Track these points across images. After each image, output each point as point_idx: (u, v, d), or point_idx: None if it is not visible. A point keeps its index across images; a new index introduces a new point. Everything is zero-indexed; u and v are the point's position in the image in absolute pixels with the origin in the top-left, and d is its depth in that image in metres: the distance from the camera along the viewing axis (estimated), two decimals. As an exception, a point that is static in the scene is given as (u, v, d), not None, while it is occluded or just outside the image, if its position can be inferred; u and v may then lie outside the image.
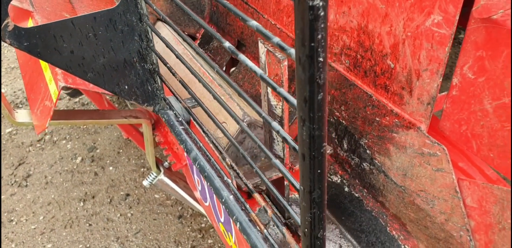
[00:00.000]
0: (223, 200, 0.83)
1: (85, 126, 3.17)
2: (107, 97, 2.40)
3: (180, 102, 1.03)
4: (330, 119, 1.50)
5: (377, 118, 1.34)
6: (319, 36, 0.40)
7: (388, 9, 1.23)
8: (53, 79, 1.18)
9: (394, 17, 1.22)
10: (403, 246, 1.31)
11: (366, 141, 1.40)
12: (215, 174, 0.89)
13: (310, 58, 0.41)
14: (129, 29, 1.05)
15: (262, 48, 1.30)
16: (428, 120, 1.20)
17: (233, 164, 0.86)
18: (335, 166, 1.55)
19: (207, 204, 1.27)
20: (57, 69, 1.21)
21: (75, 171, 2.86)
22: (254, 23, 0.58)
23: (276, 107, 1.31)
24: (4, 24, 0.89)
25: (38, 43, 0.93)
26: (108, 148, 3.04)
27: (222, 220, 1.16)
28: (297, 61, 0.42)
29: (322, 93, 0.42)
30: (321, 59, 0.41)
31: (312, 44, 0.40)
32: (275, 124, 0.60)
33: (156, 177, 1.51)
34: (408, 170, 1.26)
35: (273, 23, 1.77)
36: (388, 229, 1.36)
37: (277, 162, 0.59)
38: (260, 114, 0.72)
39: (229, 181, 0.86)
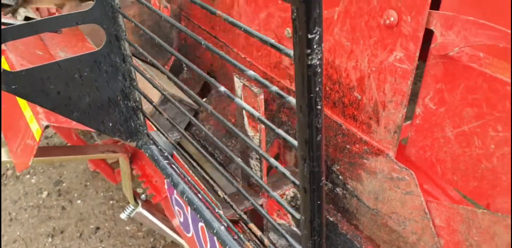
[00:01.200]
0: (215, 231, 0.88)
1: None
2: (77, 131, 2.39)
3: (166, 137, 1.08)
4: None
5: (348, 146, 1.43)
6: (317, 89, 0.47)
7: (353, 46, 1.33)
8: (34, 118, 1.19)
9: (359, 53, 1.32)
10: (376, 266, 1.39)
11: (338, 167, 1.48)
12: (204, 206, 0.94)
13: (309, 107, 0.47)
14: (113, 69, 1.09)
15: (237, 83, 1.37)
16: (395, 147, 1.29)
17: (226, 197, 0.91)
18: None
19: (190, 234, 1.30)
20: (38, 108, 1.22)
21: (41, 205, 2.80)
22: (251, 73, 0.64)
23: (253, 137, 1.37)
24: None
25: (26, 85, 0.95)
26: (75, 181, 2.99)
27: None
28: (298, 109, 0.48)
29: (320, 136, 0.49)
30: (318, 107, 0.48)
31: (311, 95, 0.47)
32: (274, 161, 0.66)
33: (133, 209, 1.53)
34: (379, 193, 1.35)
35: (243, 56, 1.85)
36: (362, 250, 1.43)
37: (277, 197, 0.65)
38: (250, 146, 0.77)
39: (221, 212, 0.91)
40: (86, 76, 1.05)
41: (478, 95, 1.06)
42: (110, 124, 1.13)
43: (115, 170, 2.38)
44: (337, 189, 1.51)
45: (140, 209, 1.54)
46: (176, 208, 1.30)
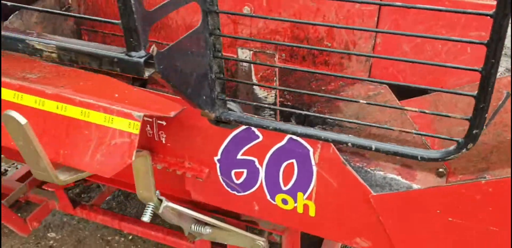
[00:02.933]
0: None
1: None
2: None
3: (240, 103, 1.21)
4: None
5: (323, 88, 1.78)
6: None
7: (319, 4, 1.68)
8: (113, 117, 1.08)
9: (326, 9, 1.68)
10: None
11: (316, 109, 1.81)
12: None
13: None
14: (206, 44, 1.16)
15: (245, 52, 1.57)
16: (368, 72, 1.72)
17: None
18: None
19: (250, 191, 1.40)
20: (113, 106, 1.10)
21: None
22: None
23: (266, 97, 1.59)
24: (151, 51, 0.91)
25: (167, 65, 0.97)
26: None
27: (285, 188, 1.35)
28: None
29: None
30: None
31: None
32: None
33: (158, 206, 1.47)
34: (359, 113, 1.74)
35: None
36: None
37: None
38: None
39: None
40: (194, 53, 1.08)
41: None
42: (204, 97, 1.19)
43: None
44: (317, 128, 1.84)
45: (167, 203, 1.51)
46: (234, 171, 1.38)
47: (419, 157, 1.07)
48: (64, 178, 1.13)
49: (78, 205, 2.19)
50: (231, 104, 1.26)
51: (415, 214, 1.22)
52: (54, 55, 0.93)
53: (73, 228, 2.37)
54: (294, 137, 1.25)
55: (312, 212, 1.37)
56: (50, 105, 1.15)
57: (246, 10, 1.79)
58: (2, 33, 0.94)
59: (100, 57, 0.89)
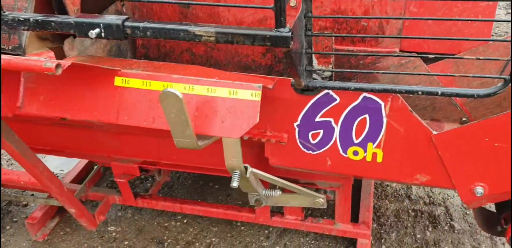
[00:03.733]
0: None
1: None
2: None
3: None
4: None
5: (361, 62, 2.09)
6: None
7: (356, -9, 1.99)
8: (237, 90, 1.33)
9: (362, -6, 1.99)
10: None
11: (356, 81, 2.11)
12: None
13: None
14: (302, 23, 1.41)
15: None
16: (399, 44, 2.04)
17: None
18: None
19: (325, 148, 1.67)
20: (236, 82, 1.35)
21: None
22: None
23: (323, 72, 1.88)
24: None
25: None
26: None
27: (357, 141, 1.63)
28: None
29: None
30: None
31: None
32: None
33: (245, 171, 1.72)
34: (394, 79, 2.06)
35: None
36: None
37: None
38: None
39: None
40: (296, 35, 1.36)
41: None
42: (300, 69, 1.47)
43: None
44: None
45: (252, 169, 1.76)
46: (312, 133, 1.66)
47: (476, 95, 1.39)
48: (201, 143, 1.38)
49: (138, 196, 2.41)
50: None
51: (468, 145, 1.55)
52: (212, 38, 1.19)
53: (129, 220, 2.57)
54: (368, 95, 1.55)
55: (379, 159, 1.67)
56: (178, 88, 1.39)
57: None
58: (167, 26, 1.19)
59: (253, 36, 1.16)
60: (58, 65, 1.23)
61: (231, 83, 1.39)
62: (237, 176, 1.77)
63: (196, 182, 2.87)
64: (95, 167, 2.56)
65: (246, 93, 1.37)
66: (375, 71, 1.94)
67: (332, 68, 1.87)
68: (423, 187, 2.79)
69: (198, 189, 2.81)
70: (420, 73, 1.95)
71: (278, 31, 1.14)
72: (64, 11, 1.72)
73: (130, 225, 2.53)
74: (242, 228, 2.50)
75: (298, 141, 1.72)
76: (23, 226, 2.54)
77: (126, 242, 2.43)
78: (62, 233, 2.50)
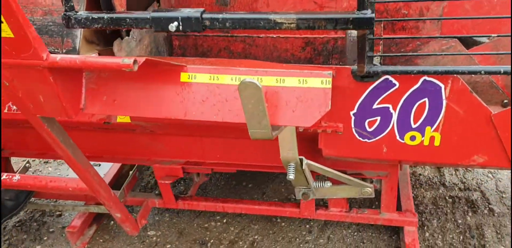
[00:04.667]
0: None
1: None
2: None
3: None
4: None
5: (402, 49, 2.10)
6: None
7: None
8: (307, 79, 1.33)
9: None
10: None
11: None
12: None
13: None
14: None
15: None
16: (440, 29, 2.06)
17: None
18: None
19: (381, 135, 1.68)
20: (305, 71, 1.35)
21: None
22: None
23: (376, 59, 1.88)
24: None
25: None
26: None
27: (414, 126, 1.64)
28: None
29: None
30: None
31: None
32: None
33: (300, 163, 1.72)
34: (434, 62, 2.08)
35: (274, 36, 2.23)
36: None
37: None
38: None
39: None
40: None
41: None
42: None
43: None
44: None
45: (307, 161, 1.77)
46: (368, 121, 1.66)
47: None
48: (274, 133, 1.38)
49: (179, 198, 2.40)
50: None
51: (528, 123, 1.56)
52: (293, 25, 1.19)
53: (168, 224, 2.56)
54: (428, 78, 1.56)
55: (437, 142, 1.68)
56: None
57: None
58: (246, 16, 1.20)
59: (336, 19, 1.16)
60: (135, 61, 1.23)
61: (300, 72, 1.39)
62: (293, 168, 1.78)
63: (229, 183, 2.86)
64: (131, 172, 2.54)
65: (316, 81, 1.38)
66: (433, 53, 1.95)
67: (381, 55, 1.89)
68: (456, 173, 2.81)
69: (232, 188, 2.81)
70: (457, 53, 1.95)
71: (362, 13, 1.15)
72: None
73: (170, 228, 2.52)
74: (283, 224, 2.50)
75: (353, 129, 1.73)
76: (61, 235, 2.52)
77: (168, 245, 2.41)
78: (101, 240, 2.48)
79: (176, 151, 2.20)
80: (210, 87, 1.44)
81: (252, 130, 1.35)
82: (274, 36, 2.23)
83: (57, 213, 2.67)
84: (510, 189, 2.65)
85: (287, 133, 1.69)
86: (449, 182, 2.74)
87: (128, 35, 1.89)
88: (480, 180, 2.74)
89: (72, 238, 2.39)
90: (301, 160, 1.78)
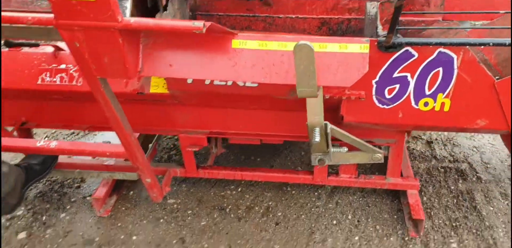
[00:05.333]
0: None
1: None
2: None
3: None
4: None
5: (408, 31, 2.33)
6: None
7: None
8: (347, 44, 1.53)
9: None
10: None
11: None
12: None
13: None
14: None
15: (373, 4, 2.08)
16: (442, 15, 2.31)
17: None
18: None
19: (399, 102, 1.90)
20: (344, 38, 1.55)
21: None
22: None
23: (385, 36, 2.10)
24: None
25: None
26: None
27: (428, 93, 1.87)
28: None
29: None
30: None
31: None
32: None
33: (325, 127, 1.91)
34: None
35: (293, 16, 2.42)
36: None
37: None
38: None
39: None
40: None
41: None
42: (393, 27, 1.69)
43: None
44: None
45: (331, 126, 1.97)
46: (388, 88, 1.88)
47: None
48: (318, 93, 1.58)
49: (199, 167, 2.57)
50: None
51: (525, 89, 1.83)
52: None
53: (186, 193, 2.72)
54: (443, 49, 1.80)
55: (446, 108, 1.93)
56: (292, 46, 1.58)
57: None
58: None
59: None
60: (204, 25, 1.40)
61: (340, 39, 1.59)
62: (318, 131, 1.98)
63: (238, 157, 3.04)
64: (150, 145, 2.68)
65: (355, 47, 1.58)
66: (449, 27, 2.19)
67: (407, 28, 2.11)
68: (444, 148, 3.10)
69: (241, 163, 2.99)
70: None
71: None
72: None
73: (188, 197, 2.68)
74: (293, 192, 2.71)
75: (374, 97, 1.95)
76: (83, 204, 2.63)
77: (189, 211, 2.57)
78: (123, 208, 2.61)
79: (201, 122, 2.36)
80: (259, 53, 1.62)
81: (301, 88, 1.54)
82: (293, 16, 2.42)
83: (76, 185, 2.78)
84: (493, 161, 2.96)
85: (314, 100, 1.89)
86: (439, 155, 3.02)
87: (165, 10, 2.04)
88: (466, 153, 3.03)
89: (97, 205, 2.51)
90: (325, 125, 1.98)
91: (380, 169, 2.72)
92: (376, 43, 1.77)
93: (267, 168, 2.92)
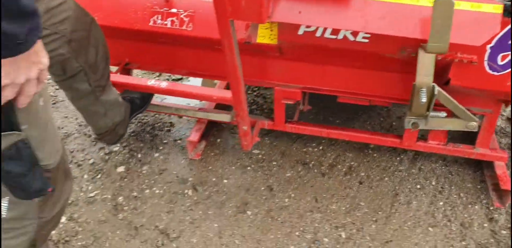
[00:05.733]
0: None
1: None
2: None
3: None
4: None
5: None
6: None
7: None
8: (481, 4, 1.56)
9: None
10: None
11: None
12: None
13: None
14: None
15: None
16: None
17: None
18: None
19: (509, 69, 1.92)
20: None
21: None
22: None
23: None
24: None
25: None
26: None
27: None
28: None
29: None
30: None
31: None
32: None
33: (432, 88, 1.96)
34: None
35: None
36: None
37: None
38: None
39: None
40: None
41: None
42: None
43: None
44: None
45: (438, 88, 2.01)
46: (501, 55, 1.90)
47: None
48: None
49: (287, 121, 2.65)
50: None
51: None
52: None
53: (269, 146, 2.82)
54: None
55: (553, 75, 1.93)
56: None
57: None
58: None
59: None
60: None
61: (473, -1, 1.62)
62: (424, 92, 2.01)
63: (316, 118, 3.12)
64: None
65: (489, 7, 1.61)
66: None
67: None
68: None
69: (319, 123, 3.06)
70: None
71: None
72: None
73: (272, 149, 2.78)
74: (375, 155, 2.77)
75: (486, 62, 1.96)
76: (174, 146, 2.78)
77: (274, 162, 2.68)
78: (212, 153, 2.74)
79: (297, 77, 2.43)
80: (390, 6, 1.67)
81: (432, 43, 1.58)
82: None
83: (166, 128, 2.92)
84: None
85: (427, 60, 1.92)
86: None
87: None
88: None
89: (190, 147, 2.64)
90: (433, 87, 2.02)
91: (459, 139, 2.73)
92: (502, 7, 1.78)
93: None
